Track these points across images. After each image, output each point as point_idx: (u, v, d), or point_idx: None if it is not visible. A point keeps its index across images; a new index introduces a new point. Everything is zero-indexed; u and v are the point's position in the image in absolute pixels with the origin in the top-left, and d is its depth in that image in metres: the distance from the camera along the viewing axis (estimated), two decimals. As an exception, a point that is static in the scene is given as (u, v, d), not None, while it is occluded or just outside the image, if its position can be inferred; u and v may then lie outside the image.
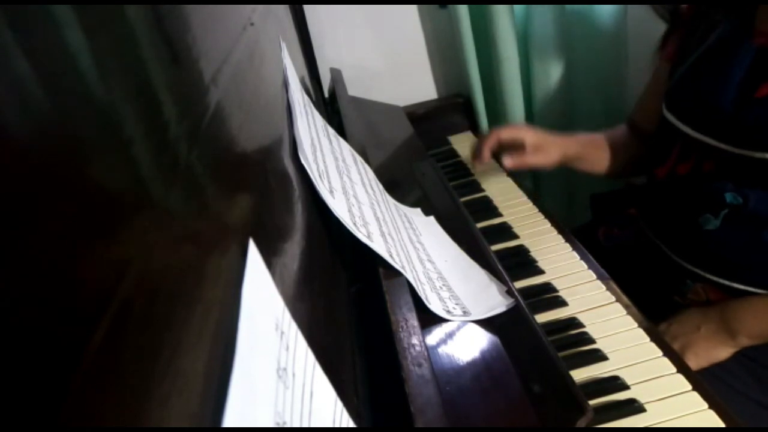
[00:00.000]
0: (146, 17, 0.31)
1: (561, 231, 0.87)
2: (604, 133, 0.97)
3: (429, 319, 0.52)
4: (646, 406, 0.58)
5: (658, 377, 0.62)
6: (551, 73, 1.20)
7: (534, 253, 0.83)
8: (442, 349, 0.52)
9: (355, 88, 1.19)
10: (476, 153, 0.94)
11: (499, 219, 0.92)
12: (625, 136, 0.97)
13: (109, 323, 0.19)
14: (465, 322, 0.55)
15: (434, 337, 0.53)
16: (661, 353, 0.64)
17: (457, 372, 0.50)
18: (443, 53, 1.29)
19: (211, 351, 0.25)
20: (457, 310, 0.55)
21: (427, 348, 0.47)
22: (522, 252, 0.84)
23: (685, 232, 0.78)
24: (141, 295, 0.21)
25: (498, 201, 0.96)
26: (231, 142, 0.38)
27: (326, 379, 0.32)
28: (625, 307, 0.71)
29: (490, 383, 0.51)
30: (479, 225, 0.90)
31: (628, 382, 0.61)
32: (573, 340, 0.68)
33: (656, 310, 0.77)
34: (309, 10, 1.16)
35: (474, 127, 1.28)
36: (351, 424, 0.34)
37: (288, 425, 0.26)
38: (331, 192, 0.54)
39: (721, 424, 0.56)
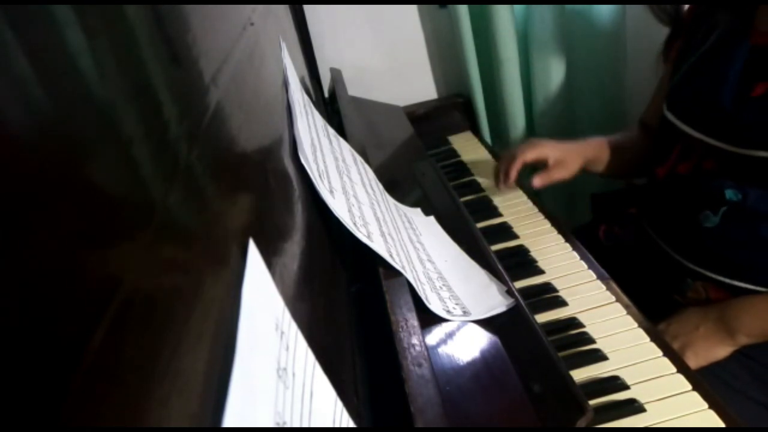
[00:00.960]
0: (146, 17, 0.31)
1: (561, 231, 0.86)
2: (617, 136, 0.98)
3: (429, 319, 0.52)
4: (646, 406, 0.58)
5: (658, 377, 0.62)
6: (551, 73, 1.20)
7: (534, 253, 0.83)
8: (442, 349, 0.52)
9: (355, 88, 1.19)
10: (503, 176, 0.93)
11: (499, 219, 0.92)
12: (637, 137, 0.97)
13: (110, 323, 0.19)
14: (465, 322, 0.55)
15: (434, 337, 0.53)
16: (661, 353, 0.64)
17: (457, 372, 0.50)
18: (443, 53, 1.29)
19: (211, 351, 0.25)
20: (457, 310, 0.55)
21: (427, 348, 0.47)
22: (522, 252, 0.84)
23: (685, 230, 0.78)
24: (141, 295, 0.21)
25: (498, 201, 0.96)
26: (231, 142, 0.38)
27: (326, 379, 0.32)
28: (625, 307, 0.71)
29: (490, 383, 0.51)
30: (479, 225, 0.90)
31: (628, 382, 0.61)
32: (573, 340, 0.68)
33: (656, 309, 0.77)
34: (309, 10, 1.16)
35: (474, 127, 1.28)
36: (351, 424, 0.34)
37: (288, 425, 0.26)
38: (331, 192, 0.54)
39: (721, 424, 0.56)
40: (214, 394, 0.23)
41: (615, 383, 0.61)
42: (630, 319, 0.69)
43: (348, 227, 0.51)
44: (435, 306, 0.53)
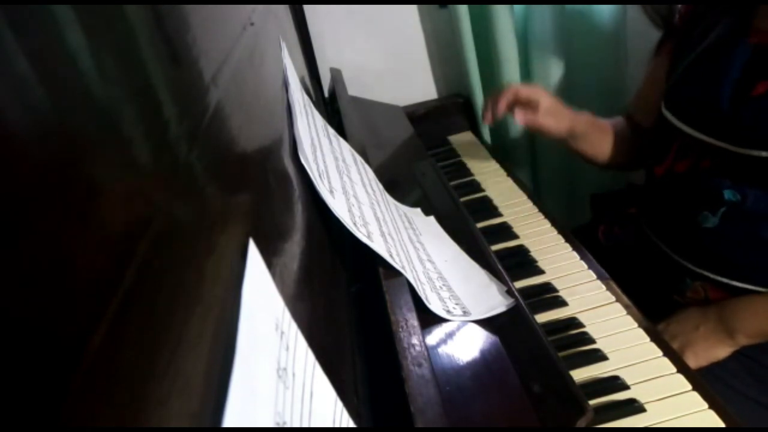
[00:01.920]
0: (146, 17, 0.31)
1: (561, 231, 0.87)
2: (608, 120, 0.97)
3: (429, 319, 0.52)
4: (646, 406, 0.58)
5: (658, 377, 0.62)
6: (551, 73, 1.20)
7: (534, 253, 0.83)
8: (442, 349, 0.52)
9: (355, 88, 1.19)
10: (491, 105, 0.92)
11: (499, 219, 0.92)
12: (623, 128, 0.97)
13: (109, 323, 0.19)
14: (465, 322, 0.55)
15: (434, 337, 0.53)
16: (661, 353, 0.64)
17: (457, 372, 0.50)
18: (443, 53, 1.29)
19: (211, 351, 0.25)
20: (457, 310, 0.55)
21: (427, 348, 0.47)
22: (522, 252, 0.84)
23: (684, 230, 0.78)
24: (141, 295, 0.21)
25: (498, 201, 0.96)
26: (231, 142, 0.38)
27: (326, 379, 0.32)
28: (625, 307, 0.71)
29: (490, 383, 0.51)
30: (479, 225, 0.90)
31: (628, 382, 0.61)
32: (573, 340, 0.68)
33: (656, 309, 0.77)
34: (309, 10, 1.16)
35: (474, 127, 1.28)
36: (351, 424, 0.34)
37: (288, 425, 0.26)
38: (331, 192, 0.54)
39: (721, 424, 0.56)
40: (214, 394, 0.23)
41: (615, 383, 0.61)
42: (630, 319, 0.69)
43: (348, 227, 0.51)
44: (435, 306, 0.53)
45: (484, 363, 0.52)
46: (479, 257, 0.68)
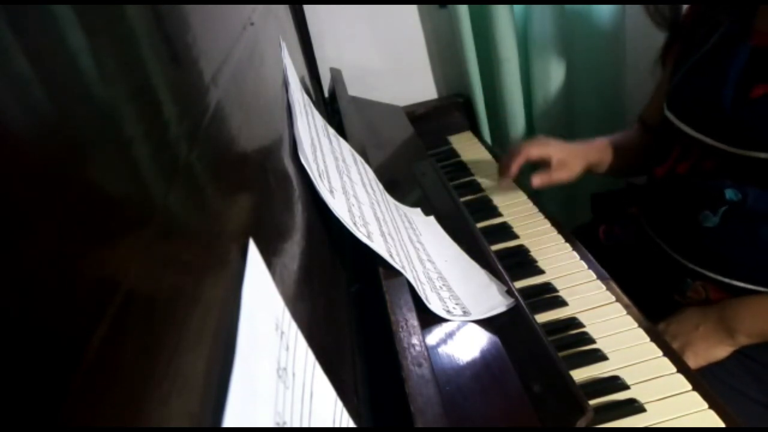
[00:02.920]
0: (146, 17, 0.31)
1: (561, 231, 0.86)
2: (619, 135, 0.97)
3: (429, 319, 0.52)
4: (646, 406, 0.58)
5: (658, 377, 0.62)
6: (551, 73, 1.20)
7: (534, 253, 0.83)
8: (442, 349, 0.52)
9: (355, 88, 1.19)
10: (504, 170, 0.92)
11: (499, 219, 0.92)
12: (637, 136, 0.97)
13: (110, 323, 0.19)
14: (465, 322, 0.55)
15: (434, 337, 0.53)
16: (661, 353, 0.64)
17: (457, 372, 0.50)
18: (443, 53, 1.29)
19: (211, 351, 0.25)
20: (457, 310, 0.55)
21: (427, 348, 0.47)
22: (522, 252, 0.84)
23: (684, 229, 0.78)
24: (141, 295, 0.21)
25: (498, 201, 0.96)
26: (231, 142, 0.38)
27: (326, 379, 0.32)
28: (625, 307, 0.71)
29: (490, 383, 0.51)
30: (479, 225, 0.90)
31: (628, 382, 0.61)
32: (573, 340, 0.68)
33: (656, 309, 0.77)
34: (309, 10, 1.16)
35: (474, 127, 1.28)
36: (351, 424, 0.34)
37: (288, 425, 0.26)
38: (331, 192, 0.54)
39: (721, 424, 0.56)
40: (214, 394, 0.23)
41: (615, 383, 0.61)
42: (630, 319, 0.69)
43: (348, 227, 0.51)
44: (435, 306, 0.53)
45: (484, 363, 0.52)
46: (479, 257, 0.68)
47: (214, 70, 0.39)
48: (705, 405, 0.58)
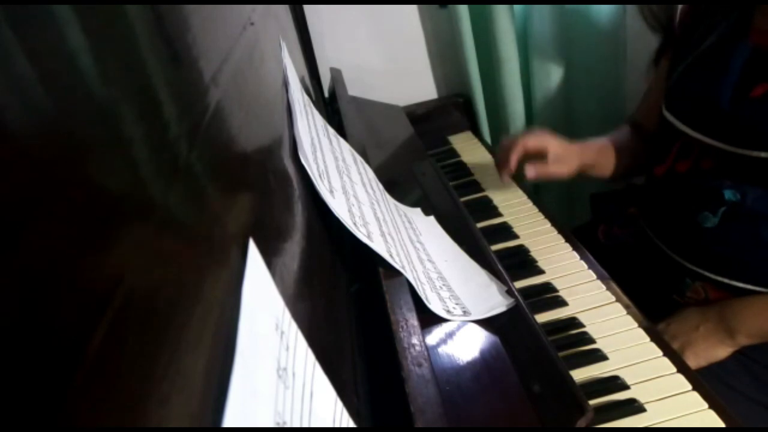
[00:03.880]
0: (146, 17, 0.31)
1: (561, 231, 0.86)
2: (611, 138, 0.96)
3: (429, 319, 0.52)
4: (646, 406, 0.58)
5: (658, 377, 0.62)
6: (551, 73, 1.20)
7: (534, 253, 0.83)
8: (442, 349, 0.52)
9: (355, 88, 1.19)
10: (502, 162, 0.91)
11: (499, 219, 0.92)
12: (628, 139, 0.96)
13: (110, 323, 0.19)
14: (465, 322, 0.55)
15: (434, 337, 0.53)
16: (661, 353, 0.64)
17: (457, 372, 0.50)
18: (443, 53, 1.29)
19: (211, 351, 0.25)
20: (457, 310, 0.55)
21: (427, 348, 0.47)
22: (522, 252, 0.84)
23: (684, 230, 0.78)
24: (141, 295, 0.21)
25: (498, 201, 0.96)
26: (231, 142, 0.38)
27: (326, 379, 0.32)
28: (625, 307, 0.71)
29: (490, 383, 0.51)
30: (479, 225, 0.90)
31: (628, 382, 0.61)
32: (573, 340, 0.68)
33: (656, 309, 0.77)
34: (309, 10, 1.16)
35: (474, 127, 1.28)
36: (351, 424, 0.34)
37: (288, 425, 0.26)
38: (331, 192, 0.54)
39: (721, 424, 0.56)
40: (214, 394, 0.23)
41: (615, 383, 0.61)
42: (630, 319, 0.69)
43: (348, 227, 0.51)
44: (435, 306, 0.53)
45: (484, 363, 0.52)
46: (479, 257, 0.68)
47: (214, 70, 0.39)
48: (705, 405, 0.58)
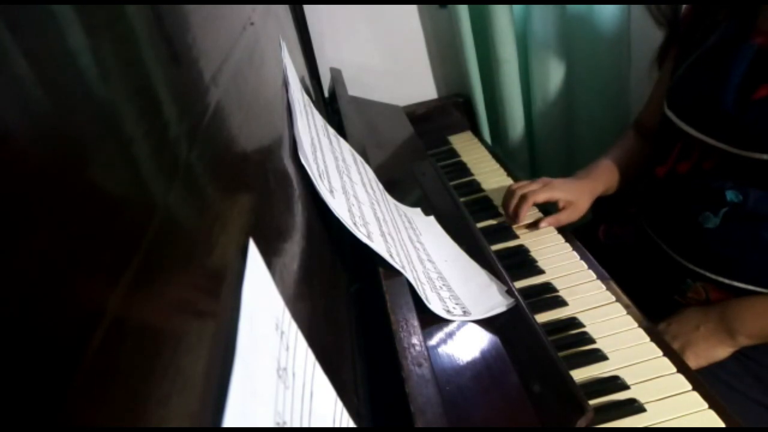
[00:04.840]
0: (146, 17, 0.31)
1: (561, 231, 0.87)
2: (618, 152, 0.96)
3: (429, 319, 0.52)
4: (646, 406, 0.58)
5: (658, 377, 0.62)
6: (550, 74, 1.20)
7: (534, 253, 0.83)
8: (442, 349, 0.52)
9: (355, 88, 1.19)
10: (513, 218, 0.89)
11: (499, 219, 0.92)
12: (635, 145, 0.96)
13: (110, 323, 0.19)
14: (465, 322, 0.55)
15: (434, 337, 0.53)
16: (661, 353, 0.64)
17: (457, 372, 0.50)
18: (443, 53, 1.29)
19: (211, 351, 0.25)
20: (457, 310, 0.55)
21: (427, 348, 0.47)
22: (522, 252, 0.84)
23: (685, 230, 0.78)
24: (140, 295, 0.21)
25: (498, 201, 0.96)
26: (231, 142, 0.38)
27: (326, 379, 0.32)
28: (625, 307, 0.71)
29: (490, 383, 0.51)
30: (479, 225, 0.90)
31: (628, 382, 0.61)
32: (573, 340, 0.68)
33: (656, 310, 0.77)
34: (309, 10, 1.16)
35: (474, 127, 1.28)
36: (351, 424, 0.34)
37: (288, 425, 0.26)
38: (331, 192, 0.54)
39: (721, 424, 0.56)
40: (214, 394, 0.23)
41: (615, 383, 0.61)
42: (630, 319, 0.69)
43: (348, 227, 0.51)
44: (435, 306, 0.53)
45: (484, 363, 0.52)
46: (479, 257, 0.68)
47: (214, 70, 0.39)
48: (705, 405, 0.58)
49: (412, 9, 1.24)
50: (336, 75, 1.12)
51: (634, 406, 0.59)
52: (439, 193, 0.85)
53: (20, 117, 0.18)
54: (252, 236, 0.31)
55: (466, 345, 0.54)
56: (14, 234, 0.16)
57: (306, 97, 0.71)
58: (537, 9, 1.14)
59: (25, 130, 0.18)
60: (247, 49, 0.52)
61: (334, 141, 0.71)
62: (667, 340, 0.67)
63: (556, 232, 0.86)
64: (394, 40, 1.27)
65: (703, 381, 0.60)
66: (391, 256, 0.52)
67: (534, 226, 0.88)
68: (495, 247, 0.84)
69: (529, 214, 0.89)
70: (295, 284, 0.39)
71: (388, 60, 1.29)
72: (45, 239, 0.18)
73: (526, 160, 1.34)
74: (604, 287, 0.75)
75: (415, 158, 0.96)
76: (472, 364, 0.52)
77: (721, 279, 0.74)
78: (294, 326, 0.31)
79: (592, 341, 0.67)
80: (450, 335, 0.54)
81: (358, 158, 0.74)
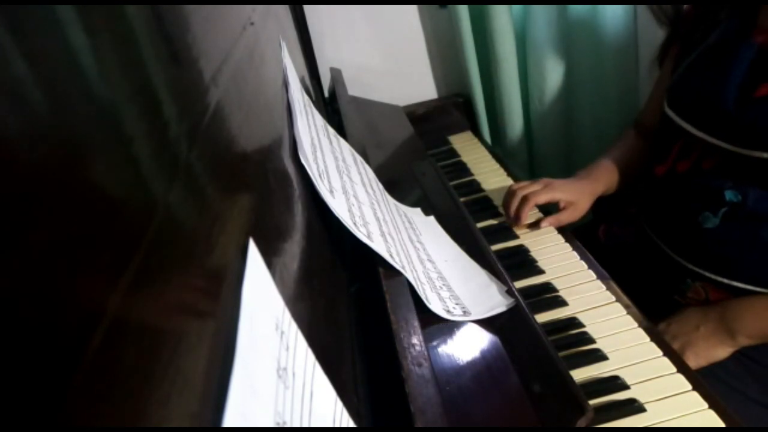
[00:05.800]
0: (146, 17, 0.31)
1: (561, 231, 0.87)
2: (616, 151, 0.96)
3: (429, 319, 0.52)
4: (646, 406, 0.58)
5: (658, 377, 0.61)
6: (550, 74, 1.20)
7: (534, 253, 0.83)
8: (442, 349, 0.52)
9: (355, 88, 1.19)
10: (514, 217, 0.88)
11: (499, 219, 0.92)
12: (635, 145, 0.96)
13: (110, 323, 0.19)
14: (465, 322, 0.55)
15: (434, 337, 0.53)
16: (661, 353, 0.64)
17: (457, 372, 0.50)
18: (443, 53, 1.29)
19: (211, 351, 0.25)
20: (457, 310, 0.55)
21: (427, 348, 0.47)
22: (522, 252, 0.84)
23: (684, 230, 0.78)
24: (140, 295, 0.21)
25: (498, 201, 0.96)
26: (231, 142, 0.38)
27: (326, 379, 0.32)
28: (625, 307, 0.71)
29: (490, 383, 0.51)
30: (479, 225, 0.90)
31: (628, 382, 0.61)
32: (573, 340, 0.68)
33: (656, 310, 0.77)
34: (309, 10, 1.16)
35: (474, 127, 1.28)
36: (351, 424, 0.34)
37: (288, 425, 0.26)
38: (331, 192, 0.54)
39: (721, 424, 0.56)
40: (214, 394, 0.23)
41: (615, 383, 0.61)
42: (630, 319, 0.69)
43: (348, 227, 0.51)
44: (435, 306, 0.53)
45: (484, 363, 0.52)
46: (479, 257, 0.68)
47: (214, 70, 0.39)
48: (705, 405, 0.58)
49: (412, 9, 1.24)
50: (336, 75, 1.12)
51: (634, 406, 0.59)
52: (439, 193, 0.85)
53: (20, 117, 0.18)
54: (252, 236, 0.31)
55: (466, 345, 0.54)
56: (14, 234, 0.16)
57: (306, 97, 0.71)
58: (536, 9, 1.14)
59: (25, 130, 0.18)
60: (247, 49, 0.52)
61: (334, 141, 0.71)
62: (667, 340, 0.67)
63: (556, 232, 0.86)
64: (394, 40, 1.27)
65: (703, 381, 0.60)
66: (391, 256, 0.52)
67: (534, 226, 0.88)
68: (495, 247, 0.84)
69: (530, 214, 0.89)
70: (295, 284, 0.39)
71: (388, 60, 1.29)
72: (45, 239, 0.18)
73: (526, 160, 1.34)
74: (604, 287, 0.74)
75: (415, 158, 0.96)
76: (472, 364, 0.52)
77: (720, 279, 0.74)
78: (294, 326, 0.31)
79: (592, 341, 0.67)
80: (450, 335, 0.54)
81: (358, 158, 0.74)
